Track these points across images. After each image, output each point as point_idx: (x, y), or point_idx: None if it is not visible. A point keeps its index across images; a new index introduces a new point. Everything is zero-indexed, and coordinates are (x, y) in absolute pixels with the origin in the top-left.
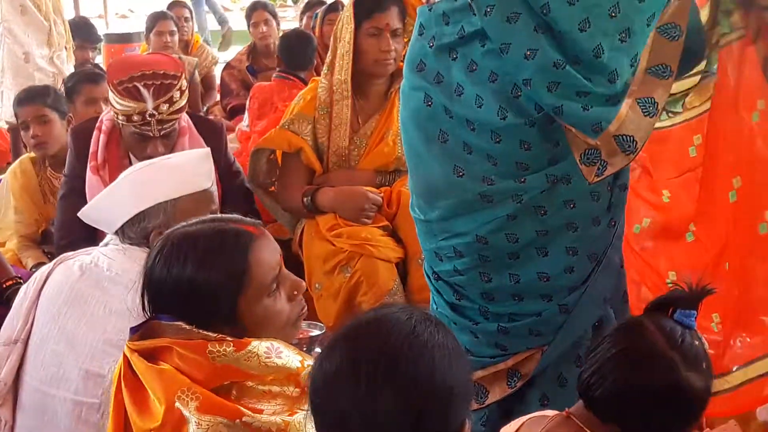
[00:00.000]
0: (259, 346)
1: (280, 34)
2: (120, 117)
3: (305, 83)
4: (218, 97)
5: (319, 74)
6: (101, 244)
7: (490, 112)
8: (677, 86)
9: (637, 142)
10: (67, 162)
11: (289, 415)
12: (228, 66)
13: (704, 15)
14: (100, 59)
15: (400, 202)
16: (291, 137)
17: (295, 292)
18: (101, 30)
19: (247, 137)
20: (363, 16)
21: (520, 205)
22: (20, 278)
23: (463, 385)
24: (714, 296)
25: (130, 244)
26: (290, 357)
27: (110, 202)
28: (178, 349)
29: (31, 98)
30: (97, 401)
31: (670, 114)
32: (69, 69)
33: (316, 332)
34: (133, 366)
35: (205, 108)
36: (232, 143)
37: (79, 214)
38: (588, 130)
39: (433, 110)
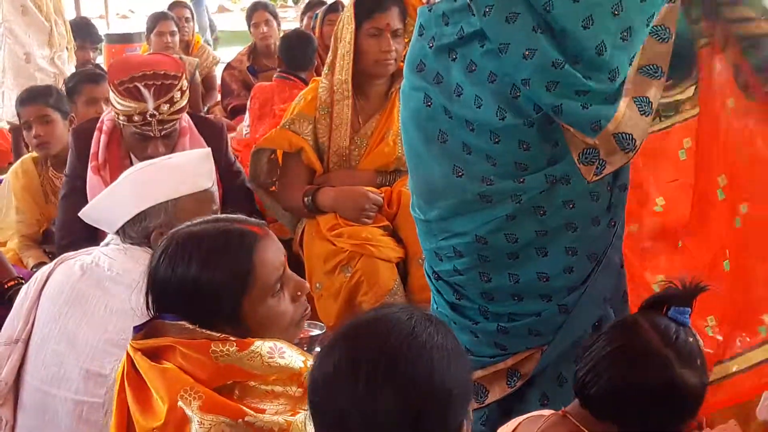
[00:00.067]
0: (263, 346)
1: (281, 34)
2: (121, 117)
3: (306, 83)
4: (219, 98)
5: (319, 75)
6: (102, 243)
7: (489, 113)
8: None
9: (635, 140)
10: (68, 162)
11: (291, 415)
12: (229, 66)
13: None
14: (101, 59)
15: (401, 202)
16: (292, 137)
17: (299, 293)
18: (102, 30)
19: (245, 144)
20: (363, 17)
21: (519, 205)
22: (22, 278)
23: (462, 386)
24: (711, 298)
25: (131, 243)
26: (293, 357)
27: (111, 202)
28: (182, 349)
29: (34, 98)
30: (97, 401)
31: (662, 118)
32: (70, 69)
33: (316, 332)
34: (136, 365)
35: (205, 108)
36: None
37: (80, 214)
38: (587, 128)
39: (432, 110)
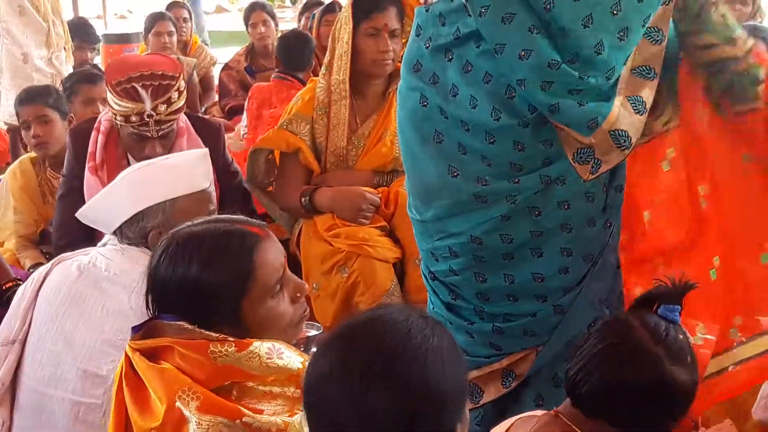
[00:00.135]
0: (261, 346)
1: (279, 34)
2: (118, 118)
3: (303, 84)
4: (216, 98)
5: (317, 75)
6: (99, 244)
7: (484, 113)
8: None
9: (631, 138)
10: (65, 162)
11: (289, 416)
12: (226, 67)
13: None
14: (98, 60)
15: (398, 203)
16: (289, 137)
17: (298, 294)
18: (100, 30)
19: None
20: (361, 17)
21: (514, 205)
22: (20, 279)
23: (458, 387)
24: (703, 302)
25: (129, 244)
26: (291, 358)
27: (108, 203)
28: (180, 349)
29: (33, 98)
30: (94, 401)
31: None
32: (68, 70)
33: (313, 332)
34: (135, 365)
35: (203, 108)
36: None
37: (77, 215)
38: (583, 127)
39: (428, 111)
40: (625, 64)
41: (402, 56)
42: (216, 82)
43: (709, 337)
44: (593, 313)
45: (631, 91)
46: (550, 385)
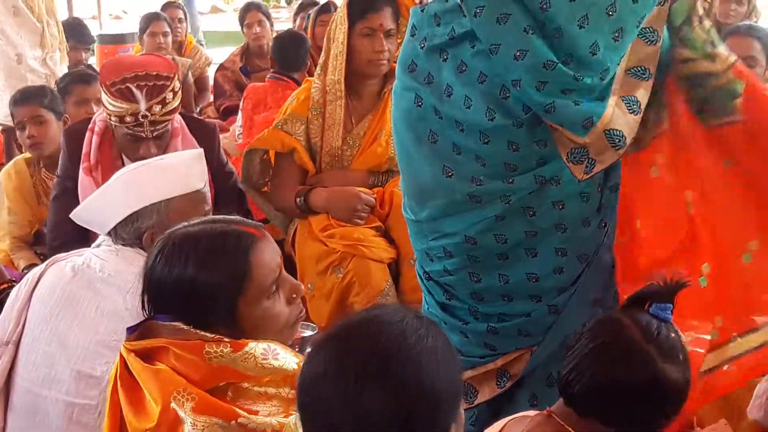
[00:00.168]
0: (256, 347)
1: (274, 35)
2: (113, 118)
3: (299, 84)
4: (211, 98)
5: (312, 75)
6: (94, 245)
7: (479, 113)
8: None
9: (625, 137)
10: (59, 163)
11: (284, 417)
12: (221, 67)
13: None
14: (93, 60)
15: (393, 203)
16: (284, 137)
17: (294, 295)
18: (95, 31)
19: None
20: (356, 17)
21: (509, 205)
22: (14, 281)
23: (452, 388)
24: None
25: (123, 245)
26: (287, 359)
27: (103, 203)
28: (175, 350)
29: (28, 98)
30: (88, 402)
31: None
32: (62, 70)
33: (308, 333)
34: (130, 366)
35: (198, 109)
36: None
37: (71, 216)
38: (578, 127)
39: (423, 111)
40: (619, 64)
41: (397, 56)
42: (211, 82)
43: (702, 336)
44: (588, 312)
45: (625, 92)
46: (544, 386)
